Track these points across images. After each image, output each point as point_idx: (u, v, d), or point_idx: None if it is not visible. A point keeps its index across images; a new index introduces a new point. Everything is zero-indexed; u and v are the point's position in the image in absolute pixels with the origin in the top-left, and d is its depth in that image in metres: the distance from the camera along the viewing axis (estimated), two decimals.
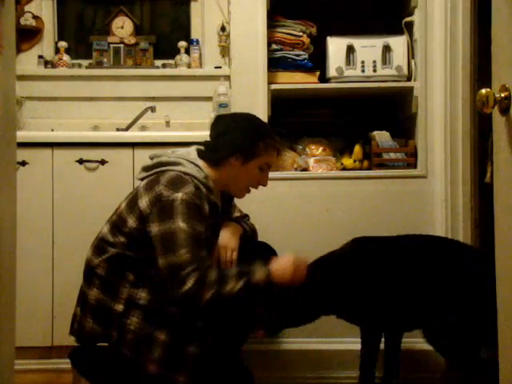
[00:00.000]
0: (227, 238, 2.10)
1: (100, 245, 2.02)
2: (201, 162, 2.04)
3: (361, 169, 2.69)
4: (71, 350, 2.12)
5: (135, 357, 1.94)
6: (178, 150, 2.10)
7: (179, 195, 1.89)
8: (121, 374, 2.07)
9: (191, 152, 2.07)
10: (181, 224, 1.86)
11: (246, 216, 2.28)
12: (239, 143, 2.04)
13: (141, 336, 1.92)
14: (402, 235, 2.22)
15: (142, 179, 2.06)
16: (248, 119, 2.14)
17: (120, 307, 1.94)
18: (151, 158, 2.10)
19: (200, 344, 1.93)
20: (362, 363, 2.20)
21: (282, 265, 1.94)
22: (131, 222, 1.96)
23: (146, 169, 2.08)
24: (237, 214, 2.26)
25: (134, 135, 2.79)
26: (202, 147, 2.10)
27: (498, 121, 1.39)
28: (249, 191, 2.13)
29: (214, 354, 1.97)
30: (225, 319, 2.05)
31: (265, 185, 2.13)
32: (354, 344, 2.44)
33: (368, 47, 2.69)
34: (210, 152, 2.07)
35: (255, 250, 2.18)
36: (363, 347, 2.20)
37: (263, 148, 2.06)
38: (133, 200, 1.99)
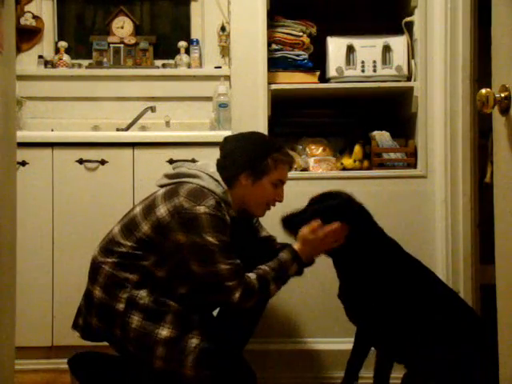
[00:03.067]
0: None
1: (109, 245, 2.04)
2: (219, 177, 2.05)
3: (361, 169, 2.68)
4: (70, 358, 2.14)
5: (140, 354, 1.97)
6: (197, 163, 2.13)
7: (201, 208, 1.92)
8: (121, 380, 2.09)
9: (211, 164, 2.08)
10: (210, 239, 1.91)
11: (273, 237, 2.30)
12: (246, 162, 2.05)
13: (142, 334, 1.94)
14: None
15: (161, 186, 2.08)
16: (254, 137, 2.15)
17: (121, 306, 1.96)
18: (173, 168, 2.13)
19: (202, 335, 1.96)
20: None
21: (308, 248, 2.05)
22: (146, 228, 1.98)
23: (167, 177, 2.10)
24: (265, 234, 2.29)
25: (134, 135, 2.79)
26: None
27: (498, 121, 1.39)
28: (268, 208, 2.14)
29: (218, 352, 1.99)
30: (230, 318, 2.09)
31: (281, 201, 2.14)
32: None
33: (368, 47, 2.68)
34: (220, 172, 2.08)
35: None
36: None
37: (272, 164, 2.07)
38: (150, 207, 2.01)
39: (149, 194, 2.10)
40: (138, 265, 1.98)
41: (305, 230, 2.06)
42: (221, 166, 2.07)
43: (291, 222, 2.12)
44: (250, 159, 2.06)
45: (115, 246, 2.01)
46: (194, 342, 1.95)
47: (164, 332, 1.94)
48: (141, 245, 1.98)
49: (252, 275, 1.97)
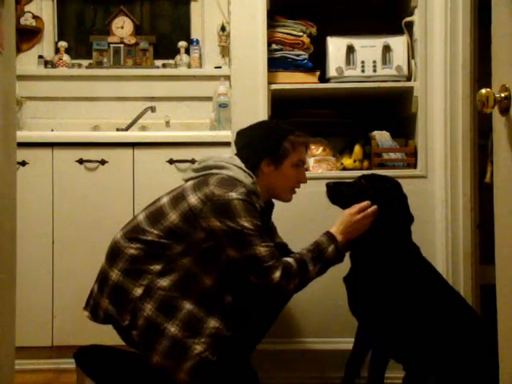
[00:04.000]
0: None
1: (133, 231, 2.02)
2: (246, 168, 2.06)
3: (361, 169, 2.68)
4: (76, 351, 2.13)
5: (142, 344, 1.96)
6: (222, 155, 2.13)
7: (234, 195, 1.94)
8: (126, 373, 2.08)
9: (235, 158, 2.09)
10: (245, 224, 1.93)
11: (286, 244, 2.30)
12: (265, 150, 2.07)
13: (152, 324, 1.93)
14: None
15: (187, 180, 2.09)
16: (266, 125, 2.19)
17: (138, 292, 1.95)
18: (199, 163, 2.13)
19: (207, 344, 1.94)
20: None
21: (343, 227, 2.06)
22: (174, 217, 1.98)
23: (194, 170, 2.11)
24: (279, 240, 2.29)
25: (134, 135, 2.79)
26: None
27: (498, 121, 1.39)
28: (294, 192, 2.16)
29: (218, 365, 1.96)
30: (244, 323, 2.07)
31: (305, 181, 2.16)
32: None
33: (368, 47, 2.68)
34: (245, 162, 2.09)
35: None
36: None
37: (290, 147, 2.08)
38: (178, 197, 2.01)
39: (176, 187, 2.09)
40: (163, 254, 1.97)
41: (349, 210, 2.08)
42: (240, 158, 2.09)
43: (336, 192, 2.16)
44: (268, 146, 2.07)
45: (140, 234, 2.00)
46: (198, 348, 1.92)
47: (172, 329, 1.92)
48: (167, 234, 1.97)
49: (289, 258, 1.99)
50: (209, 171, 2.05)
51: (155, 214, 2.01)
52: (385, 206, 2.10)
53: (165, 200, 2.04)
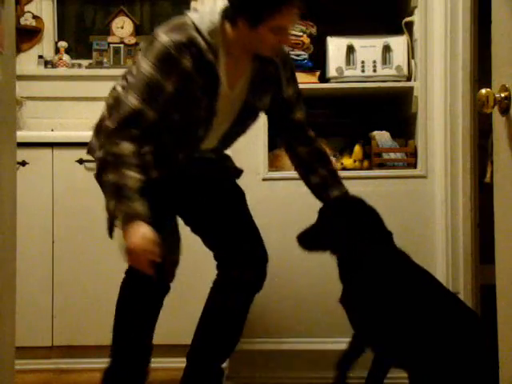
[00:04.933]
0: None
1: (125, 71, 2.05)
2: (217, 16, 1.90)
3: (361, 169, 2.68)
4: None
5: (98, 175, 2.01)
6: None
7: (164, 39, 1.84)
8: None
9: (220, 5, 1.94)
10: (146, 67, 1.85)
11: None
12: (241, 5, 1.85)
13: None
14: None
15: None
16: None
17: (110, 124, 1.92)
18: None
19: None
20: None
21: (129, 233, 1.86)
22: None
23: None
24: (300, 116, 2.20)
25: None
26: None
27: (498, 121, 1.40)
28: (276, 51, 1.95)
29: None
30: None
31: (287, 44, 2.02)
32: None
33: (368, 47, 2.69)
34: (225, 9, 1.91)
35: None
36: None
37: (272, 9, 1.80)
38: None
39: None
40: None
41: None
42: (229, 2, 1.90)
43: (306, 240, 2.08)
44: (245, 2, 1.84)
45: (127, 74, 1.99)
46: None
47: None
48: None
49: (132, 146, 1.86)
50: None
51: None
52: (363, 227, 2.02)
53: None
